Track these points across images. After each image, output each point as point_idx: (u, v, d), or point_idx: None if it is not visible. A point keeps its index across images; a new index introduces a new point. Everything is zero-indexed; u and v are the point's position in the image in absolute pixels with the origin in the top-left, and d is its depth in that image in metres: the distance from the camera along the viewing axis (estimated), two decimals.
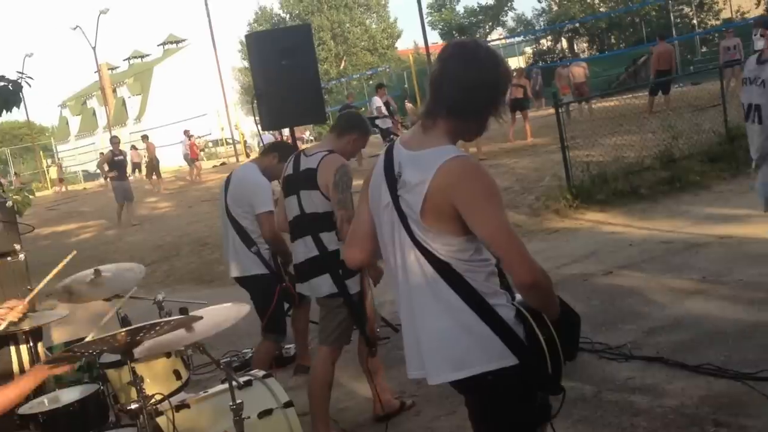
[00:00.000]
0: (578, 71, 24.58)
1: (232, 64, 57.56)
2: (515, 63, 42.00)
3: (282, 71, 7.07)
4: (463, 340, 2.74)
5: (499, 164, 15.15)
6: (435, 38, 52.59)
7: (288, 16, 58.74)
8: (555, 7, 47.32)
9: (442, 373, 2.81)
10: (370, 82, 52.01)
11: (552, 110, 12.17)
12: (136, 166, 30.86)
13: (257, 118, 7.43)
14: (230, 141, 41.97)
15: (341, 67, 57.26)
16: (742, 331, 5.71)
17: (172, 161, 38.28)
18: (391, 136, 17.03)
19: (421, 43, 35.90)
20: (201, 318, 3.53)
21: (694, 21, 39.53)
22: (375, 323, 5.28)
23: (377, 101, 19.83)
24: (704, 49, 36.04)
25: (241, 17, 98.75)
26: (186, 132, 30.84)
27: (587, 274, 7.95)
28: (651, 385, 5.13)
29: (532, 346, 2.74)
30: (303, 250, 4.97)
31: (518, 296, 2.81)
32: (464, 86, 2.73)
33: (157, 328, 3.25)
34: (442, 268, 2.73)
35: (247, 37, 7.74)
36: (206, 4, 35.49)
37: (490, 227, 2.65)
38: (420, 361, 2.88)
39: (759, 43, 21.48)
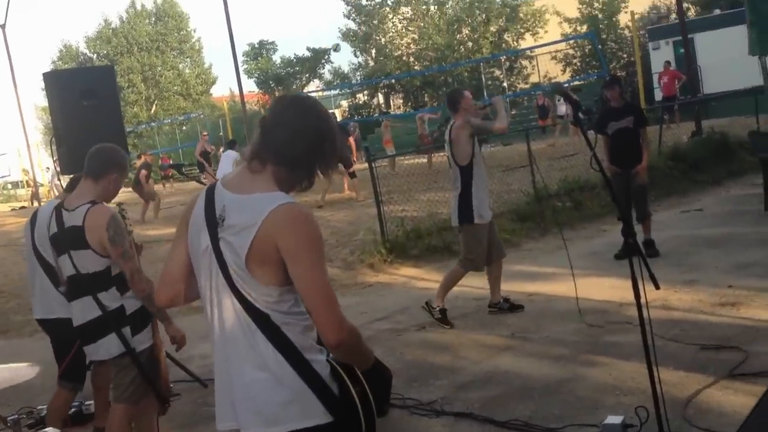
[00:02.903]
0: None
1: (35, 103, 55.12)
2: None
3: (83, 112, 6.90)
4: (278, 394, 2.67)
5: (315, 217, 15.11)
6: (251, 87, 52.47)
7: (95, 56, 56.89)
8: (371, 63, 48.43)
9: (255, 427, 2.72)
10: (184, 127, 51.08)
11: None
12: None
13: (56, 159, 7.17)
14: (31, 183, 39.98)
15: (152, 111, 55.97)
16: (548, 386, 5.90)
17: None
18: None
19: (237, 91, 35.65)
20: None
21: (505, 84, 41.53)
22: (168, 380, 5.15)
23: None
24: (514, 111, 37.86)
25: (45, 54, 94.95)
26: None
27: (400, 329, 8.01)
28: None
29: (346, 402, 2.71)
30: (83, 311, 4.73)
31: None
32: (295, 132, 2.73)
33: None
34: (260, 319, 2.67)
35: (45, 75, 7.43)
36: (5, 40, 33.89)
37: (306, 280, 2.62)
38: (232, 413, 2.77)
39: (562, 108, 23.12)
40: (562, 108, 26.57)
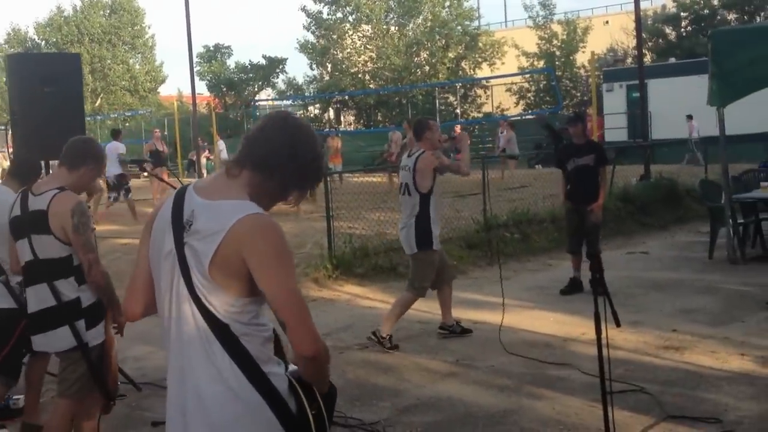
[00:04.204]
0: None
1: None
2: None
3: (43, 98, 6.78)
4: (232, 407, 2.59)
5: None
6: (202, 89, 52.02)
7: (44, 42, 55.89)
8: (327, 77, 48.38)
9: None
10: (128, 123, 50.37)
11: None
12: None
13: (10, 145, 7.00)
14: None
15: (97, 104, 55.08)
16: (492, 415, 5.87)
17: None
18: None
19: (186, 91, 35.36)
20: None
21: (458, 110, 41.82)
22: (117, 377, 5.02)
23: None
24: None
25: None
26: None
27: (342, 347, 7.89)
28: None
29: (301, 420, 2.65)
30: (37, 299, 4.62)
31: (291, 366, 2.73)
32: (276, 144, 2.71)
33: None
34: (218, 328, 2.60)
35: (8, 57, 7.25)
36: None
37: (280, 291, 2.56)
38: (182, 423, 2.67)
39: (500, 141, 23.28)
40: (500, 141, 26.55)
